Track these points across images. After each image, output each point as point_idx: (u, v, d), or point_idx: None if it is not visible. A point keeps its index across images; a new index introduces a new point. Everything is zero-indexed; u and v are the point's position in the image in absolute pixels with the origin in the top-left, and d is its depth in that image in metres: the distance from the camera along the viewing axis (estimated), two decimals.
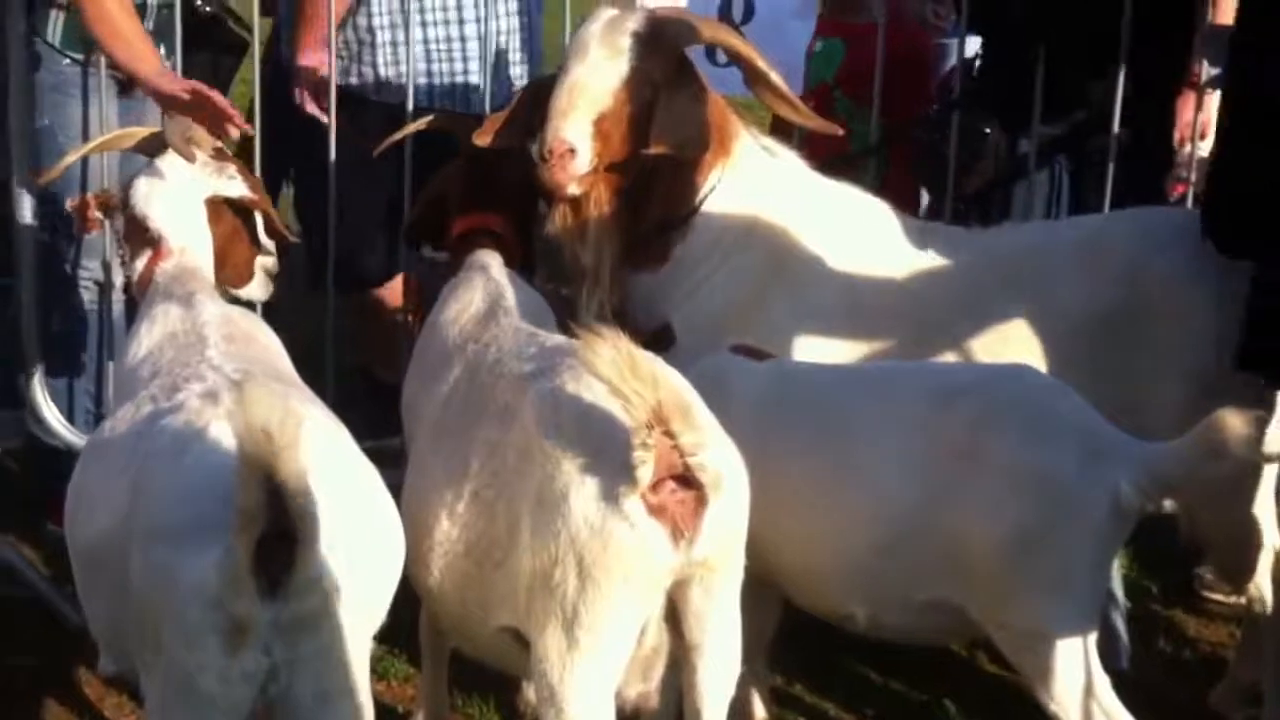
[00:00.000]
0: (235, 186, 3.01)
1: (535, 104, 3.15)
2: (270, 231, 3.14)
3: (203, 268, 2.89)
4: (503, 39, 4.00)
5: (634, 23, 3.11)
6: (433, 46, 3.95)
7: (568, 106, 3.03)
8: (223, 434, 2.12)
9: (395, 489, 2.42)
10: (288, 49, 4.05)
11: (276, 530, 2.00)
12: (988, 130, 3.68)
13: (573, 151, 3.01)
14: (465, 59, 3.98)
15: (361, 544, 2.19)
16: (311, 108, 3.90)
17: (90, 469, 2.40)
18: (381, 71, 3.95)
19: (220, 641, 2.03)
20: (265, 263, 3.15)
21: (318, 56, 3.87)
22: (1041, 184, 3.69)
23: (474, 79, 3.95)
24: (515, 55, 4.05)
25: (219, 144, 3.08)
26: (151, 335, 2.65)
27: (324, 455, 2.14)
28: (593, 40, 3.08)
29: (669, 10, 3.26)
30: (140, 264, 2.91)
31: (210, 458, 2.11)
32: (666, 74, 3.11)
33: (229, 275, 3.02)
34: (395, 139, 3.49)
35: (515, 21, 4.04)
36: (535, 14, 4.15)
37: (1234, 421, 2.44)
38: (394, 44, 3.93)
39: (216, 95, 3.22)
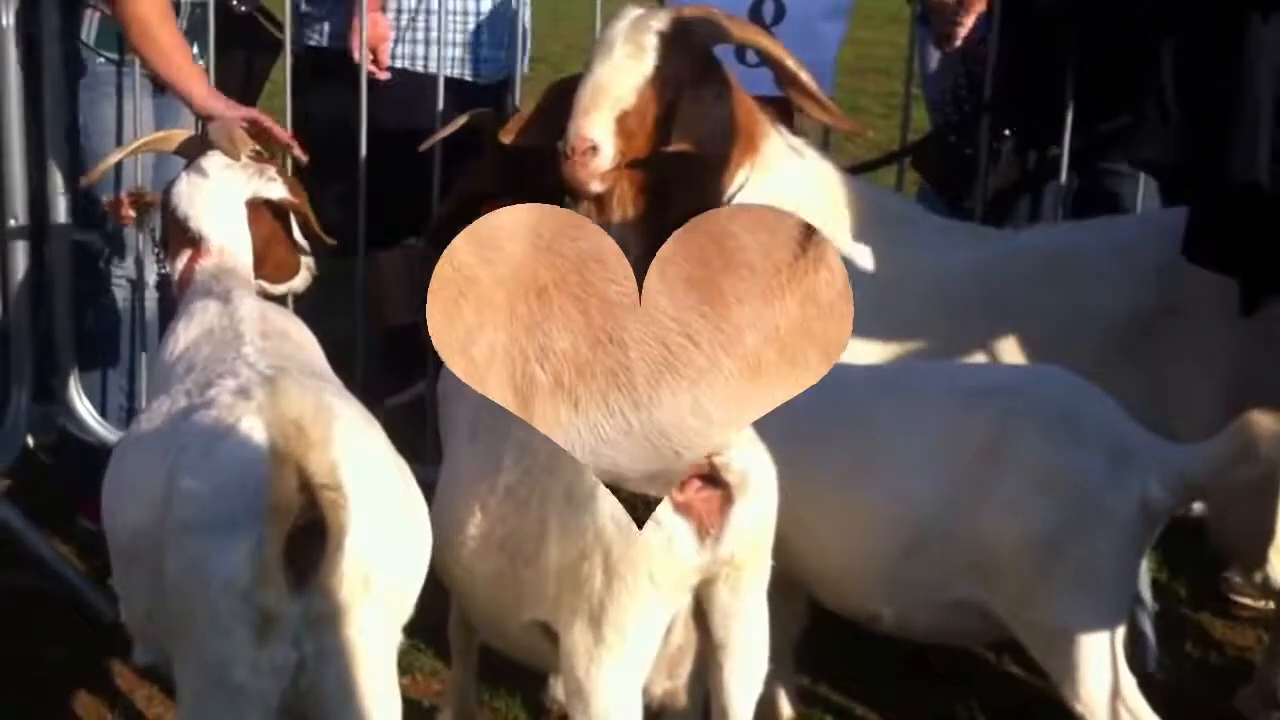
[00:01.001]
0: (275, 188, 3.03)
1: (560, 102, 3.16)
2: (307, 233, 3.16)
3: (242, 267, 2.91)
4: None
5: (659, 21, 3.11)
6: (452, 17, 4.04)
7: (590, 104, 3.04)
8: (254, 428, 2.14)
9: (423, 484, 2.44)
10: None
11: (307, 524, 2.03)
12: (1006, 132, 3.67)
13: (595, 149, 3.01)
14: (479, 30, 4.10)
15: (391, 539, 2.21)
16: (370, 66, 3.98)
17: (127, 462, 2.43)
18: (405, 36, 4.09)
19: (250, 633, 2.06)
20: (305, 261, 3.18)
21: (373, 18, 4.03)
22: (1054, 191, 3.68)
23: (486, 51, 4.11)
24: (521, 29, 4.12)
25: (258, 146, 3.10)
26: (189, 331, 2.68)
27: (355, 449, 2.16)
28: (617, 39, 3.09)
29: (697, 9, 3.25)
30: (180, 263, 2.93)
31: (242, 452, 2.13)
32: (692, 73, 3.11)
33: (267, 275, 3.05)
34: (435, 139, 3.51)
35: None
36: None
37: (1264, 423, 2.43)
38: (415, 11, 4.06)
39: (271, 124, 3.25)
